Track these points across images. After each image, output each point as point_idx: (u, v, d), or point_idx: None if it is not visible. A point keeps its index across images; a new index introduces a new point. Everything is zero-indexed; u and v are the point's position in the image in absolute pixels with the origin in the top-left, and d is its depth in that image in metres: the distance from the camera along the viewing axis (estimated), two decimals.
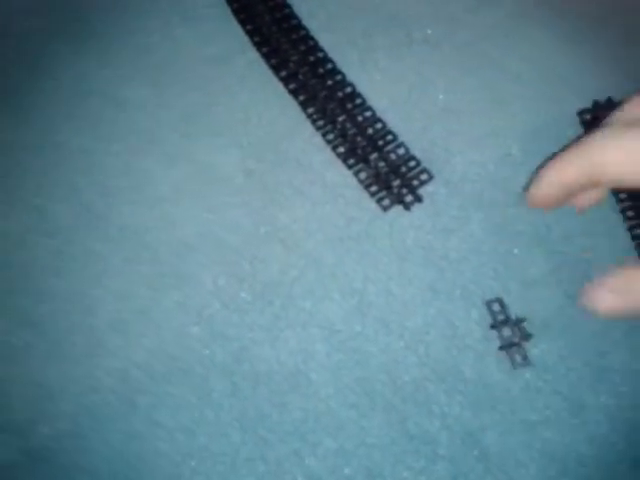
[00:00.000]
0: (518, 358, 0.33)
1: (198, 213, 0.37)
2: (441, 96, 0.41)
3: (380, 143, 0.39)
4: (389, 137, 0.39)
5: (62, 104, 0.41)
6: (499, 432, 0.33)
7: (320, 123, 0.40)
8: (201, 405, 0.33)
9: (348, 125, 0.40)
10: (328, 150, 0.39)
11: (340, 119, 0.40)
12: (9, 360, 0.34)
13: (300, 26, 0.43)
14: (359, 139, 0.39)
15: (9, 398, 0.33)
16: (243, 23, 0.43)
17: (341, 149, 0.39)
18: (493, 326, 0.34)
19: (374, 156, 0.39)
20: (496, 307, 0.34)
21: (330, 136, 0.40)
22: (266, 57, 0.42)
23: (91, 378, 0.34)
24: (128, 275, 0.36)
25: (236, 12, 0.44)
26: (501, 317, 0.34)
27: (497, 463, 0.33)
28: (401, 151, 0.39)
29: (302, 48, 0.42)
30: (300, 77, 0.41)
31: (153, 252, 0.37)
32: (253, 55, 0.42)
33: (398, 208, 0.38)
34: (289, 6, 0.44)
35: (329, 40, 0.43)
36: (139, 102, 0.41)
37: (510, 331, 0.34)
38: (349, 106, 0.41)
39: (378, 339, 0.34)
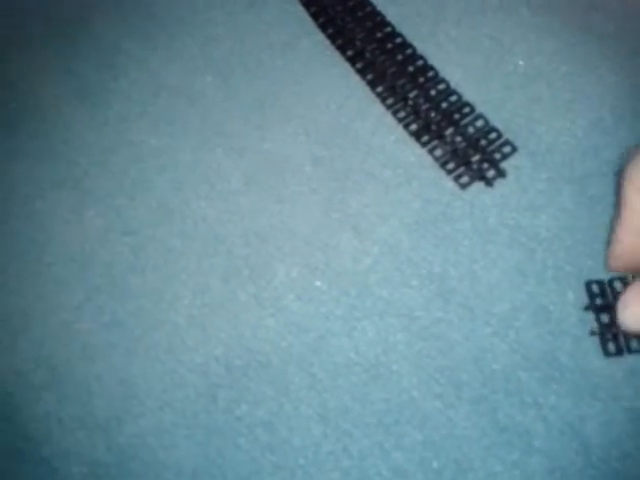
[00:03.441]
0: (611, 347, 0.30)
1: (268, 204, 0.37)
2: (521, 62, 0.38)
3: (456, 117, 0.37)
4: (466, 109, 0.37)
5: (135, 102, 0.42)
6: (601, 422, 0.30)
7: (390, 101, 0.38)
8: (280, 398, 0.32)
9: (420, 100, 0.38)
10: (400, 129, 0.38)
11: (412, 95, 0.38)
12: (93, 359, 0.35)
13: (365, 2, 0.41)
14: (433, 114, 0.37)
15: (94, 396, 0.34)
16: (307, 6, 0.42)
17: (414, 126, 0.37)
18: (587, 308, 0.31)
19: (450, 131, 0.37)
20: (595, 289, 0.31)
21: (401, 114, 0.38)
22: (332, 38, 0.41)
23: (173, 374, 0.34)
24: (204, 270, 0.36)
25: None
26: (600, 301, 0.31)
27: (600, 456, 0.30)
28: (480, 123, 0.36)
29: (369, 25, 0.41)
30: (367, 55, 0.40)
31: (227, 245, 0.37)
32: (318, 37, 0.41)
33: (479, 185, 0.35)
34: None
35: (396, 14, 0.41)
36: (209, 95, 0.41)
37: (609, 317, 0.31)
38: (421, 80, 0.39)
39: (462, 326, 0.32)
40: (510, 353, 0.31)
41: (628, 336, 0.29)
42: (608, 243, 0.27)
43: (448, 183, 0.35)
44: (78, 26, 0.45)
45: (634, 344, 0.29)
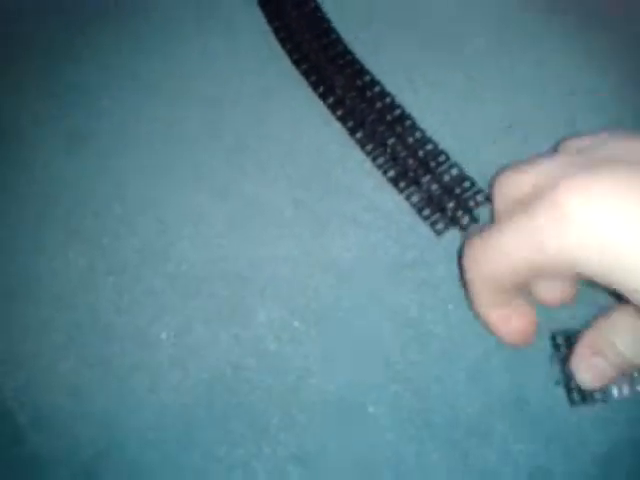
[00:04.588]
0: (576, 396, 0.31)
1: (250, 247, 0.38)
2: (499, 109, 0.39)
3: (432, 164, 0.38)
4: (441, 158, 0.38)
5: (119, 140, 0.43)
6: (569, 467, 0.31)
7: (369, 148, 0.40)
8: (258, 440, 0.33)
9: (398, 148, 0.39)
10: (379, 175, 0.39)
11: (390, 142, 0.40)
12: (78, 398, 0.35)
13: (346, 51, 0.43)
14: (410, 161, 0.39)
15: (78, 436, 0.34)
16: (290, 53, 0.43)
17: (392, 173, 0.39)
18: (551, 359, 0.32)
19: (426, 178, 0.38)
20: (560, 340, 0.32)
21: (380, 160, 0.39)
22: (313, 85, 0.42)
23: (156, 414, 0.35)
24: (186, 310, 0.37)
25: (282, 41, 0.44)
26: (565, 350, 0.32)
27: None
28: (455, 171, 0.38)
29: (349, 72, 0.42)
30: (348, 102, 0.41)
31: (209, 287, 0.37)
32: (301, 84, 0.43)
33: (454, 232, 0.36)
34: (335, 32, 0.44)
35: (376, 62, 0.42)
36: (192, 135, 0.42)
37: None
38: (398, 129, 0.40)
39: (438, 370, 0.33)
40: (483, 397, 0.33)
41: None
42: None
43: (425, 229, 0.37)
44: (61, 52, 0.46)
45: (597, 394, 0.31)
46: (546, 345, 0.33)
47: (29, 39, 0.47)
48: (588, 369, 0.30)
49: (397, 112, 0.40)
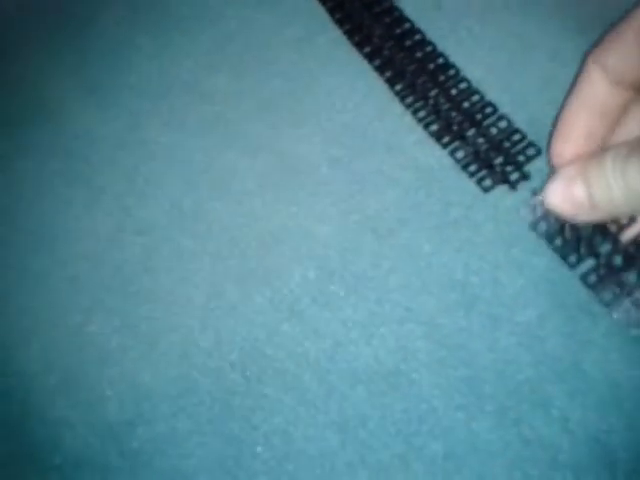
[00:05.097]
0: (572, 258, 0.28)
1: (284, 206, 0.36)
2: (546, 62, 0.37)
3: (478, 117, 0.36)
4: (488, 110, 0.36)
5: (146, 98, 0.41)
6: (628, 436, 0.29)
7: (409, 100, 0.37)
8: (296, 406, 0.32)
9: (441, 100, 0.37)
10: (420, 129, 0.36)
11: (432, 94, 0.37)
12: (105, 362, 0.34)
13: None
14: (454, 114, 0.36)
15: (106, 401, 0.33)
16: (323, 1, 0.41)
17: (434, 127, 0.36)
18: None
19: (472, 132, 0.36)
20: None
21: (421, 113, 0.37)
22: (349, 35, 0.40)
23: (187, 379, 0.33)
24: (218, 272, 0.35)
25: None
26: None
27: (626, 470, 0.29)
28: (503, 124, 0.35)
29: (387, 21, 0.39)
30: (386, 52, 0.38)
31: (241, 247, 0.36)
32: (335, 34, 0.40)
33: (502, 188, 0.34)
34: None
35: (415, 9, 0.39)
36: (222, 92, 0.40)
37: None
38: (441, 79, 0.37)
39: (486, 335, 0.31)
40: (535, 364, 0.31)
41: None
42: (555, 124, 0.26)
43: (470, 186, 0.34)
44: (88, 19, 0.44)
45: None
46: (602, 308, 0.30)
47: None
48: (564, 197, 0.27)
49: (440, 61, 0.38)
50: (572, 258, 0.28)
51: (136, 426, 0.33)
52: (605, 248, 0.28)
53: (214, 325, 0.34)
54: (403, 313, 0.33)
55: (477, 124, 0.35)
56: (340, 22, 0.40)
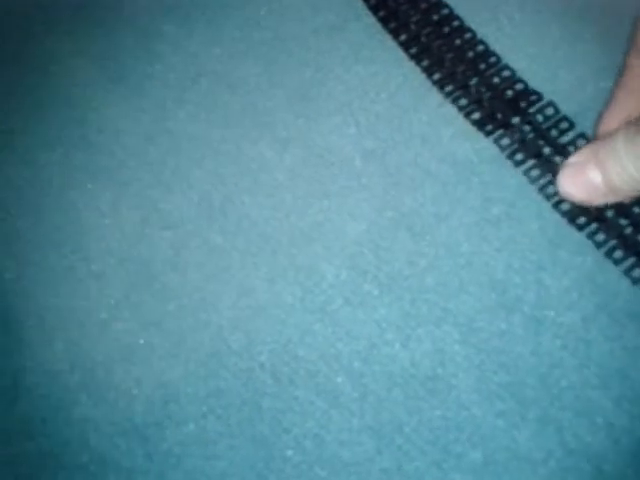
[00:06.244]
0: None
1: (315, 200, 0.35)
2: (594, 51, 0.35)
3: (523, 105, 0.34)
4: (533, 97, 0.34)
5: (173, 88, 0.40)
6: None
7: (449, 88, 0.36)
8: (329, 409, 0.31)
9: (483, 88, 0.35)
10: (459, 121, 0.35)
11: (472, 82, 0.35)
12: (132, 361, 0.33)
13: None
14: (497, 103, 0.34)
15: (133, 400, 0.32)
16: None
17: (476, 115, 0.35)
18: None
19: (517, 120, 0.34)
20: None
21: (462, 102, 0.35)
22: (383, 21, 0.38)
23: (217, 379, 0.32)
24: (248, 269, 0.34)
25: None
26: None
27: None
28: (550, 111, 0.33)
29: (423, 6, 0.38)
30: (423, 40, 0.37)
31: (272, 244, 0.35)
32: (369, 21, 0.38)
33: (549, 180, 0.32)
34: None
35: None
36: (251, 81, 0.39)
37: None
38: (482, 67, 0.36)
39: (528, 338, 0.30)
40: (580, 369, 0.29)
41: None
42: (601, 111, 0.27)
43: (512, 181, 0.33)
44: (112, 7, 0.43)
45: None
46: None
47: None
48: (579, 184, 0.28)
49: (480, 48, 0.36)
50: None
51: (164, 427, 0.32)
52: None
53: (244, 325, 0.33)
54: (440, 314, 0.31)
55: (522, 112, 0.34)
56: (374, 8, 0.38)
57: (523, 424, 0.29)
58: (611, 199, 0.28)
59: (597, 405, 0.29)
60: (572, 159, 0.29)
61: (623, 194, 0.27)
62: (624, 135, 0.26)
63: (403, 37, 0.37)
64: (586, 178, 0.28)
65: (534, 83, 0.34)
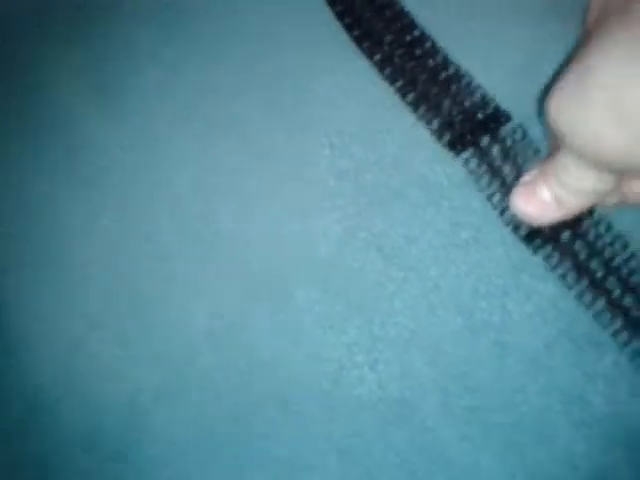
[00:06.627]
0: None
1: (289, 218, 0.35)
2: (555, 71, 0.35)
3: (492, 126, 0.34)
4: (502, 119, 0.35)
5: (153, 98, 0.40)
6: (635, 471, 0.29)
7: (422, 109, 0.36)
8: (298, 432, 0.31)
9: (455, 110, 0.35)
10: (431, 143, 0.35)
11: (445, 104, 0.36)
12: (103, 376, 0.34)
13: (393, 2, 0.38)
14: (468, 124, 0.35)
15: (103, 422, 0.33)
16: (332, 4, 0.39)
17: (448, 136, 0.35)
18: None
19: (486, 141, 0.34)
20: None
21: (434, 123, 0.35)
22: (358, 41, 0.38)
23: (188, 399, 0.33)
24: (221, 286, 0.35)
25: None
26: None
27: None
28: (518, 135, 0.34)
29: (397, 27, 0.38)
30: (396, 60, 0.37)
31: (245, 261, 0.35)
32: (344, 38, 0.38)
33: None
34: None
35: (426, 17, 0.38)
36: (229, 92, 0.39)
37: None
38: (454, 88, 0.36)
39: (493, 363, 0.31)
40: (542, 394, 0.30)
41: None
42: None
43: (480, 204, 0.33)
44: (97, 19, 0.43)
45: None
46: (613, 338, 0.30)
47: None
48: (530, 202, 0.29)
49: (451, 70, 0.36)
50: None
51: (140, 442, 0.32)
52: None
53: (217, 342, 0.34)
54: (408, 337, 0.32)
55: (491, 133, 0.34)
56: (349, 27, 0.38)
57: (487, 448, 0.30)
58: (563, 214, 0.29)
59: (558, 430, 0.30)
60: (524, 178, 0.30)
61: (572, 207, 0.28)
62: (563, 155, 0.27)
63: (377, 57, 0.37)
64: (536, 195, 0.29)
65: (506, 104, 0.35)
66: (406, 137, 0.36)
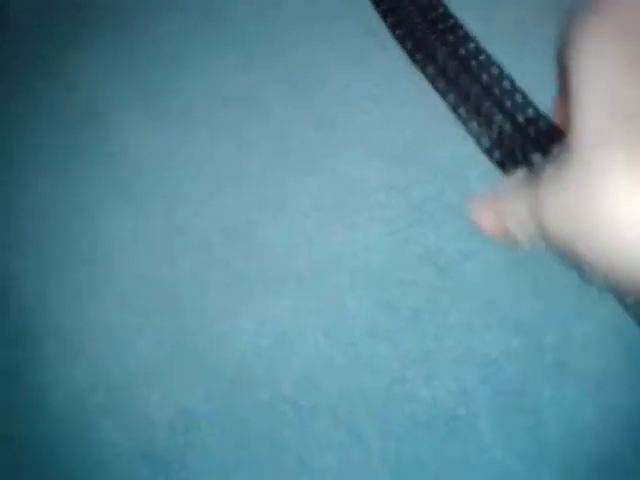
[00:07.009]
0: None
1: (339, 230, 0.35)
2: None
3: (545, 143, 0.34)
4: (556, 136, 0.34)
5: (199, 111, 0.40)
6: None
7: (473, 124, 0.36)
8: (350, 445, 0.31)
9: (507, 127, 0.35)
10: (482, 158, 0.35)
11: (498, 119, 0.36)
12: (153, 384, 0.33)
13: (447, 15, 0.38)
14: (519, 141, 0.34)
15: (154, 426, 0.33)
16: (383, 14, 0.39)
17: (497, 153, 0.35)
18: None
19: (538, 158, 0.34)
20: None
21: (485, 139, 0.35)
22: (410, 53, 0.38)
23: (238, 408, 0.33)
24: (270, 297, 0.35)
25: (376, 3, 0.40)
26: None
27: None
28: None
29: (451, 39, 0.38)
30: (450, 73, 0.37)
31: (295, 273, 0.35)
32: (396, 53, 0.38)
33: None
34: None
35: (482, 30, 0.38)
36: (278, 109, 0.39)
37: None
38: (508, 104, 0.36)
39: (551, 383, 0.30)
40: (601, 416, 0.29)
41: None
42: None
43: None
44: (142, 27, 0.43)
45: None
46: None
47: None
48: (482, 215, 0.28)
49: (506, 84, 0.36)
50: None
51: (186, 455, 0.32)
52: None
53: (267, 353, 0.33)
54: (463, 353, 0.32)
55: (544, 150, 0.34)
56: (401, 40, 0.38)
57: (543, 469, 0.29)
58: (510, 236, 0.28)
59: (617, 454, 0.29)
60: (486, 194, 0.29)
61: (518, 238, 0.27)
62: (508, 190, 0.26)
63: (430, 70, 0.37)
64: (488, 214, 0.28)
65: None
66: (458, 152, 0.35)
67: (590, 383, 0.30)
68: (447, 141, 0.36)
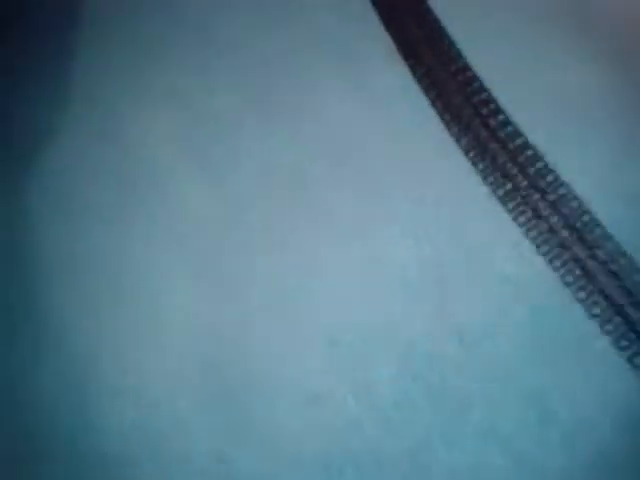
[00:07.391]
0: None
1: (371, 302, 0.37)
2: None
3: (589, 238, 0.35)
4: (592, 226, 0.35)
5: (253, 179, 0.43)
6: None
7: (511, 205, 0.37)
8: None
9: (547, 211, 0.36)
10: (512, 237, 0.37)
11: (534, 198, 0.37)
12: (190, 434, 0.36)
13: (482, 88, 0.40)
14: (563, 231, 0.36)
15: (192, 475, 0.35)
16: (426, 91, 0.42)
17: (534, 233, 0.36)
18: None
19: (579, 248, 0.35)
20: None
21: (521, 219, 0.37)
22: (448, 124, 0.40)
23: (269, 463, 0.35)
24: (306, 357, 0.37)
25: (419, 80, 0.42)
26: None
27: None
28: (610, 245, 0.34)
29: (484, 111, 0.40)
30: (490, 154, 0.39)
31: (328, 335, 0.37)
32: (432, 128, 0.41)
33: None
34: (463, 58, 0.41)
35: (510, 99, 0.39)
36: (322, 180, 0.41)
37: None
38: (542, 184, 0.37)
39: (561, 454, 0.32)
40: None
41: None
42: None
43: (560, 301, 0.35)
44: (199, 94, 0.46)
45: None
46: None
47: None
48: None
49: (539, 165, 0.37)
50: None
51: None
52: None
53: (300, 413, 0.36)
54: (485, 426, 0.33)
55: (583, 240, 0.35)
56: (439, 112, 0.40)
57: None
58: None
59: None
60: None
61: None
62: None
63: (464, 142, 0.39)
64: None
65: (595, 205, 0.36)
66: (492, 230, 0.37)
67: (598, 458, 0.31)
68: (486, 218, 0.38)
